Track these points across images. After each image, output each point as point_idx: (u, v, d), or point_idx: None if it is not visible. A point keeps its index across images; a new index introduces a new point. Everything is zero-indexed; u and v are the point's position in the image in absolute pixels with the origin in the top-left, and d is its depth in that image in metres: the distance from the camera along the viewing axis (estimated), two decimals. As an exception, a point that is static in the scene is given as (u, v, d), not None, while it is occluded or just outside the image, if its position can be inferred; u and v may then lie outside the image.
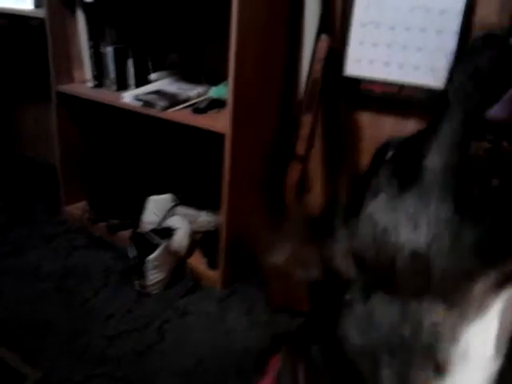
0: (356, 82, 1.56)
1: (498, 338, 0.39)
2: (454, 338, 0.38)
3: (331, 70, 1.51)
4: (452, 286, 0.38)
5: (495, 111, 0.36)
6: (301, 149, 1.51)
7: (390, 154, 0.43)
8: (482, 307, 0.38)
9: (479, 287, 0.37)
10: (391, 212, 0.39)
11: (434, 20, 1.38)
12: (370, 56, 1.52)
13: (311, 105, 1.48)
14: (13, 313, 1.54)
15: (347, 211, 0.45)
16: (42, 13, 1.89)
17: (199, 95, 1.79)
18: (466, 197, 0.36)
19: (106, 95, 1.90)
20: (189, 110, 1.71)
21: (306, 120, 1.49)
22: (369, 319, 0.42)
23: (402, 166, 0.41)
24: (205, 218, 1.98)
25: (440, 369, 0.39)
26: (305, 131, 1.49)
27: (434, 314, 0.39)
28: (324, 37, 1.49)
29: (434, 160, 0.37)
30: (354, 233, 0.43)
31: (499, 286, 0.38)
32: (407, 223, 0.38)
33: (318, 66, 1.47)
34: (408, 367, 0.40)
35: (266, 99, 1.65)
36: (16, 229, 2.06)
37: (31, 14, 1.99)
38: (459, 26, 1.35)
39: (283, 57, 1.67)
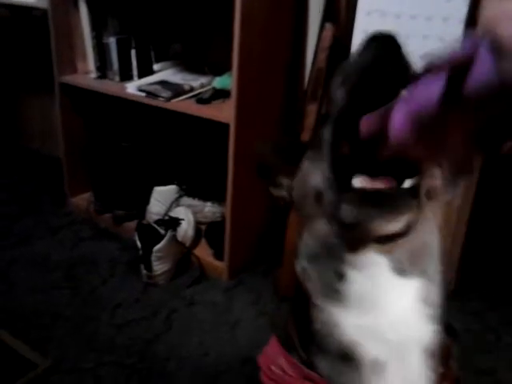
0: (361, 70, 1.55)
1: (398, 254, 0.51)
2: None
3: (336, 58, 1.50)
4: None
5: (364, 121, 0.41)
6: (306, 139, 1.51)
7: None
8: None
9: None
10: (310, 164, 0.54)
11: (441, 8, 1.37)
12: (374, 45, 1.51)
13: (316, 94, 1.48)
14: (22, 302, 1.56)
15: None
16: (44, 3, 1.88)
17: (203, 86, 1.79)
18: (338, 162, 0.48)
19: (109, 86, 1.90)
20: (192, 100, 1.71)
21: (311, 110, 1.49)
22: (303, 241, 0.56)
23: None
24: (210, 209, 1.98)
25: (339, 273, 0.51)
26: (310, 121, 1.49)
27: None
28: (328, 26, 1.48)
29: (325, 132, 0.49)
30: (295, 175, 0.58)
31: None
32: (314, 172, 0.51)
33: (323, 56, 1.47)
34: (318, 272, 0.54)
35: (270, 89, 1.64)
36: (22, 220, 2.07)
37: (34, 5, 1.98)
38: (466, 14, 1.35)
39: (288, 46, 1.66)
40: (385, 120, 0.37)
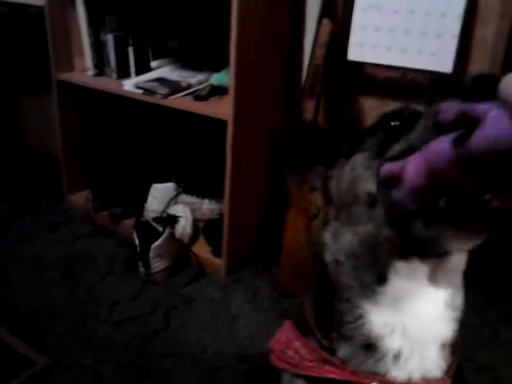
0: (359, 66, 1.55)
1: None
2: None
3: (334, 54, 1.50)
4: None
5: (410, 173, 0.42)
6: (303, 135, 1.50)
7: (392, 123, 0.53)
8: None
9: None
10: (364, 167, 0.53)
11: (438, 3, 1.37)
12: (372, 40, 1.51)
13: (314, 90, 1.47)
14: (20, 300, 1.56)
15: (345, 152, 0.59)
16: (41, 1, 1.88)
17: (200, 82, 1.79)
18: None
19: (106, 83, 1.89)
20: (190, 97, 1.70)
21: (309, 105, 1.48)
22: (336, 234, 0.58)
23: (386, 138, 0.52)
24: (208, 206, 1.98)
25: (380, 276, 0.53)
26: (307, 117, 1.49)
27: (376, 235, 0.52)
28: (326, 21, 1.48)
29: (396, 148, 0.48)
30: (336, 174, 0.59)
31: None
32: (369, 178, 0.51)
33: (321, 51, 1.47)
34: (356, 270, 0.55)
35: (268, 85, 1.64)
36: (20, 218, 2.07)
37: (31, 2, 1.98)
38: (463, 9, 1.34)
39: (285, 42, 1.66)
40: (403, 167, 0.43)
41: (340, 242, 0.57)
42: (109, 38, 1.90)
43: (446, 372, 0.58)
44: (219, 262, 1.74)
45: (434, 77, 1.43)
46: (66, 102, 2.04)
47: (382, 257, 0.52)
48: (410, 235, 0.46)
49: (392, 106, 1.56)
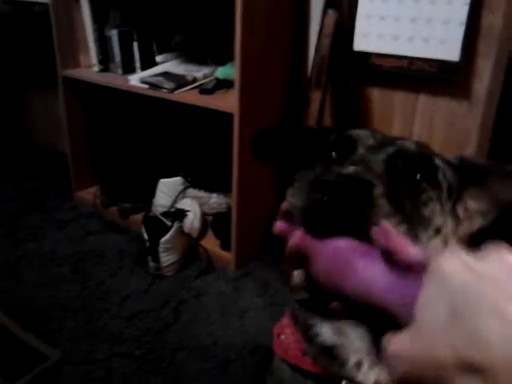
0: (365, 56, 1.54)
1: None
2: None
3: (339, 45, 1.49)
4: None
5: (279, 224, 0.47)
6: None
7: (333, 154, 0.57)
8: None
9: None
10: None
11: (444, -10, 1.36)
12: (378, 30, 1.49)
13: (320, 81, 1.47)
14: (32, 296, 1.57)
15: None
16: (45, -2, 1.88)
17: (206, 76, 1.78)
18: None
19: (112, 79, 1.90)
20: (196, 91, 1.70)
21: (315, 97, 1.48)
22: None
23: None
24: (215, 200, 1.98)
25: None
26: (313, 108, 1.48)
27: None
28: (331, 12, 1.47)
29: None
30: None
31: None
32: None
33: (326, 42, 1.46)
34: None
35: (273, 77, 1.63)
36: (29, 215, 2.09)
37: (35, 0, 1.98)
38: (470, -4, 1.33)
39: (290, 33, 1.65)
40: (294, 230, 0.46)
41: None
42: (113, 34, 1.90)
43: None
44: (228, 256, 1.74)
45: (441, 65, 1.41)
46: (72, 99, 2.05)
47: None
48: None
49: (399, 95, 1.55)
